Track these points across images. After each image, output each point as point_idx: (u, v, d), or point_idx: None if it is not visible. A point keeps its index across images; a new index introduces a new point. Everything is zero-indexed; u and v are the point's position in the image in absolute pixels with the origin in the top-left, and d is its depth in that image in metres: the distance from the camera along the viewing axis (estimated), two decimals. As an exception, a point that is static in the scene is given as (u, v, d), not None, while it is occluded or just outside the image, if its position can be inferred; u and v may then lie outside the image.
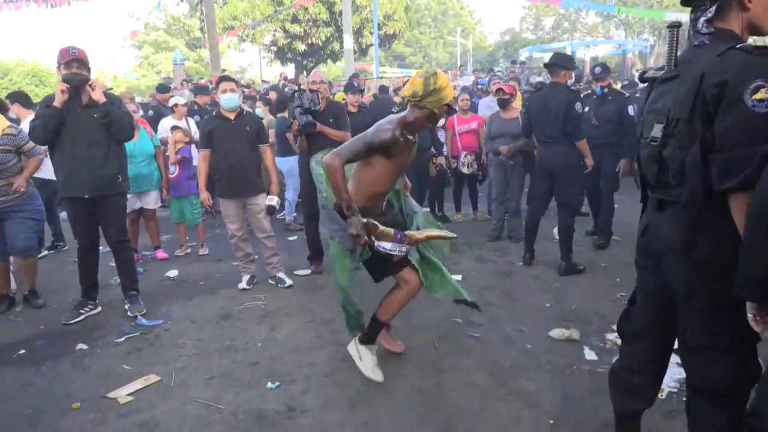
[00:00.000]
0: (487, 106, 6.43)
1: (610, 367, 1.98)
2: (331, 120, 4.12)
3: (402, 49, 36.97)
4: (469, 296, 2.78)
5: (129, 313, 3.64)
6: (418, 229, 2.68)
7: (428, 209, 5.81)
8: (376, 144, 2.36)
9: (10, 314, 3.79)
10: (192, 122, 5.77)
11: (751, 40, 1.63)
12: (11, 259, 3.92)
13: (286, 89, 9.29)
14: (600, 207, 4.99)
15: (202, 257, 5.07)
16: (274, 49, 23.43)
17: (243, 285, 4.11)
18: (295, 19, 21.40)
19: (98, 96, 3.36)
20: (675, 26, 1.59)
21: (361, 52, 23.92)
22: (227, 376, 2.81)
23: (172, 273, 4.56)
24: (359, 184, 2.50)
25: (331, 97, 4.99)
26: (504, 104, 5.16)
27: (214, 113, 4.16)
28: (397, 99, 7.95)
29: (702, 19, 1.52)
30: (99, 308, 3.74)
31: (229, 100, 3.90)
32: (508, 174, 5.20)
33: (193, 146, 5.25)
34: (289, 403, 2.53)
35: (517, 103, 5.28)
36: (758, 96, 1.32)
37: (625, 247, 4.72)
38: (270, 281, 4.20)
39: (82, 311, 3.63)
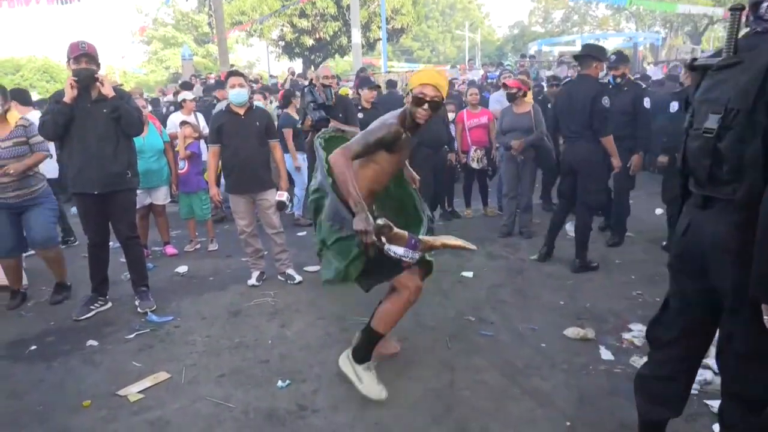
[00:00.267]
0: (498, 100, 6.35)
1: (636, 373, 1.92)
2: (340, 115, 4.09)
3: (410, 43, 36.78)
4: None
5: (139, 309, 3.63)
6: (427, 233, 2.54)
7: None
8: (386, 138, 2.34)
9: (21, 309, 3.81)
10: (201, 117, 5.75)
11: None
12: (28, 253, 3.92)
13: (298, 83, 9.24)
14: (611, 204, 4.86)
15: (212, 253, 5.06)
16: (282, 43, 23.45)
17: (252, 281, 4.09)
18: (302, 14, 21.41)
19: (107, 91, 3.34)
20: (737, 8, 1.50)
21: (369, 46, 23.82)
22: (237, 374, 2.79)
23: (182, 269, 4.55)
24: (359, 180, 2.43)
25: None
26: (511, 98, 5.07)
27: (223, 108, 4.13)
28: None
29: (765, 4, 1.44)
30: (109, 304, 3.74)
31: (237, 95, 3.87)
32: (520, 169, 5.12)
33: (202, 141, 5.23)
34: (300, 402, 2.51)
35: (529, 98, 5.19)
36: None
37: (638, 243, 4.59)
38: (279, 277, 4.18)
39: (92, 307, 3.63)
